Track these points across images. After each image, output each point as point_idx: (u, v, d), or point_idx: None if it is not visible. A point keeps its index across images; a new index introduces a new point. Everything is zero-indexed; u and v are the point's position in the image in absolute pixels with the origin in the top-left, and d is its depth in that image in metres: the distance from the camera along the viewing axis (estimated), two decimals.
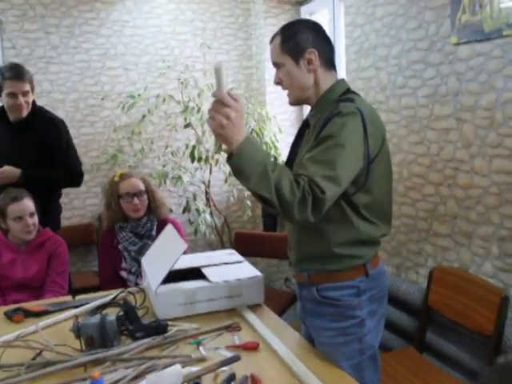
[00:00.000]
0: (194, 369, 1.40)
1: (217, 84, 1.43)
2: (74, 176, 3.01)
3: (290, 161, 1.72)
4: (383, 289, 1.69)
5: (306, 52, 1.61)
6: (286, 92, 1.70)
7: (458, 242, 2.54)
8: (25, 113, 2.84)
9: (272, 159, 1.43)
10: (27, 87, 2.82)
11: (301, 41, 1.62)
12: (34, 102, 2.92)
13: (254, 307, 1.88)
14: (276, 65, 1.67)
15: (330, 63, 1.66)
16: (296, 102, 1.72)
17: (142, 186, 2.69)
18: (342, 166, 1.44)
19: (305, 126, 1.73)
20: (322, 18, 4.00)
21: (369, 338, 1.62)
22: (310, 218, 1.41)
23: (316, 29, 1.67)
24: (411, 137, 2.77)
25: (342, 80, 1.71)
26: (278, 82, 1.69)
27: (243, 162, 1.40)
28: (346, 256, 1.60)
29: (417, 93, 2.70)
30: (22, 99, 2.79)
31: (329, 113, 1.53)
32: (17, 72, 2.79)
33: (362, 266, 1.61)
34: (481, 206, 2.41)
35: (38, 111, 2.94)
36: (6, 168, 2.74)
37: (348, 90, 1.65)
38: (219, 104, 1.39)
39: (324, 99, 1.64)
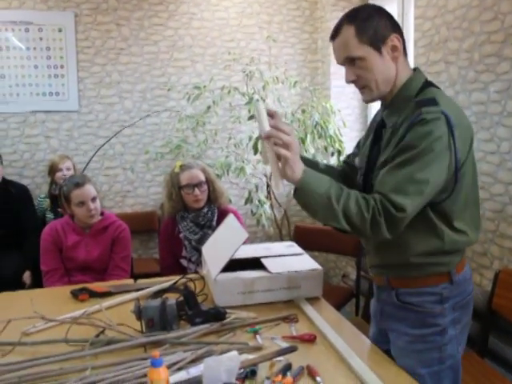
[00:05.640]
0: (251, 356, 1.41)
1: (260, 122, 1.44)
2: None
3: (370, 165, 1.59)
4: (468, 295, 1.58)
5: (388, 38, 1.45)
6: (360, 90, 1.53)
7: None
8: None
9: (335, 186, 1.39)
10: None
11: (379, 26, 1.44)
12: None
13: (311, 300, 1.88)
14: (351, 60, 1.47)
15: (406, 50, 1.52)
16: (377, 97, 1.54)
17: (202, 177, 2.72)
18: (424, 179, 1.36)
19: (381, 127, 1.59)
20: (390, 10, 3.91)
21: (450, 348, 1.53)
22: (387, 236, 1.39)
23: (386, 12, 1.51)
24: (480, 134, 2.67)
25: (418, 71, 1.54)
26: (353, 80, 1.50)
27: (307, 196, 1.40)
28: (427, 264, 1.51)
29: (489, 88, 2.60)
30: None
31: (413, 118, 1.39)
32: None
33: (446, 273, 1.52)
34: None
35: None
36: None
37: (426, 83, 1.50)
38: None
39: (400, 97, 1.50)
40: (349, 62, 1.48)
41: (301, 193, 1.40)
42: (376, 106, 3.73)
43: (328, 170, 1.80)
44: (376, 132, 1.62)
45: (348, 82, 1.52)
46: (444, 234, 1.48)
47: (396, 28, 1.48)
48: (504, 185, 2.53)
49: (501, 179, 2.55)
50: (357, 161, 1.75)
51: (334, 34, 1.50)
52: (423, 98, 1.44)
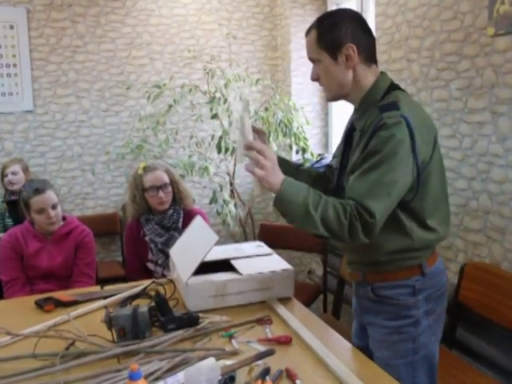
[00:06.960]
0: (228, 362, 1.39)
1: (241, 130, 1.53)
2: None
3: (343, 169, 1.64)
4: (441, 287, 1.63)
5: (343, 47, 1.50)
6: (323, 88, 1.63)
7: (490, 237, 2.48)
8: None
9: (313, 195, 1.43)
10: None
11: (338, 35, 1.50)
12: None
13: (283, 300, 1.87)
14: (312, 60, 1.58)
15: (370, 57, 1.56)
16: (334, 98, 1.65)
17: (166, 179, 2.66)
18: (391, 181, 1.41)
19: (351, 131, 1.65)
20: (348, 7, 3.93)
21: (423, 338, 1.57)
22: (365, 240, 1.43)
23: (356, 20, 1.55)
24: (443, 130, 2.71)
25: (383, 74, 1.59)
26: (316, 79, 1.60)
27: (285, 205, 1.44)
28: (398, 259, 1.56)
29: (450, 85, 2.64)
30: None
31: (375, 123, 1.45)
32: None
33: (416, 266, 1.57)
34: None
35: None
36: None
37: (391, 86, 1.56)
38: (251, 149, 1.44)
39: (367, 101, 1.55)
40: (312, 61, 1.59)
41: (279, 202, 1.45)
42: (338, 104, 3.75)
43: (307, 171, 1.86)
44: (347, 135, 1.68)
45: (312, 79, 1.62)
46: (413, 233, 1.53)
47: (357, 38, 1.51)
48: (467, 180, 2.58)
49: (464, 174, 2.60)
50: (334, 163, 1.80)
51: (306, 33, 1.59)
52: (385, 103, 1.49)
